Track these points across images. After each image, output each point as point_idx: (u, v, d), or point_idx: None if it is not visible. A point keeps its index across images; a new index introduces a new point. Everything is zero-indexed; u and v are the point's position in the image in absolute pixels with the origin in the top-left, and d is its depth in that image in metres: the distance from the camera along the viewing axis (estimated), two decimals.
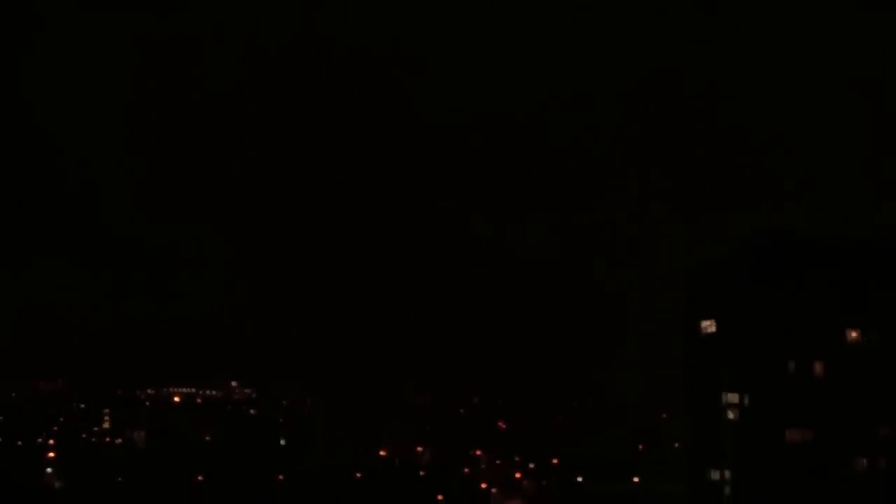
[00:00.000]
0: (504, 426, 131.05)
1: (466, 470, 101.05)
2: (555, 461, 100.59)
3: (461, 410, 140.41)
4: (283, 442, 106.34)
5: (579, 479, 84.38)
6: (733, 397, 49.53)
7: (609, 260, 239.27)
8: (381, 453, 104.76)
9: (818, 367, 48.20)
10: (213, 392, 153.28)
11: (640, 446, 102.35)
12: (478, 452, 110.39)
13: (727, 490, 49.02)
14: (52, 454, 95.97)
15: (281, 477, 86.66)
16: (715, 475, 49.52)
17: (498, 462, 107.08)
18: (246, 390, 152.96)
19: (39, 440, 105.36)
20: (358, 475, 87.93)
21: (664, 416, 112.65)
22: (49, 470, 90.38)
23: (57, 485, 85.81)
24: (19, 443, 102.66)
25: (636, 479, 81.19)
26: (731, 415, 49.26)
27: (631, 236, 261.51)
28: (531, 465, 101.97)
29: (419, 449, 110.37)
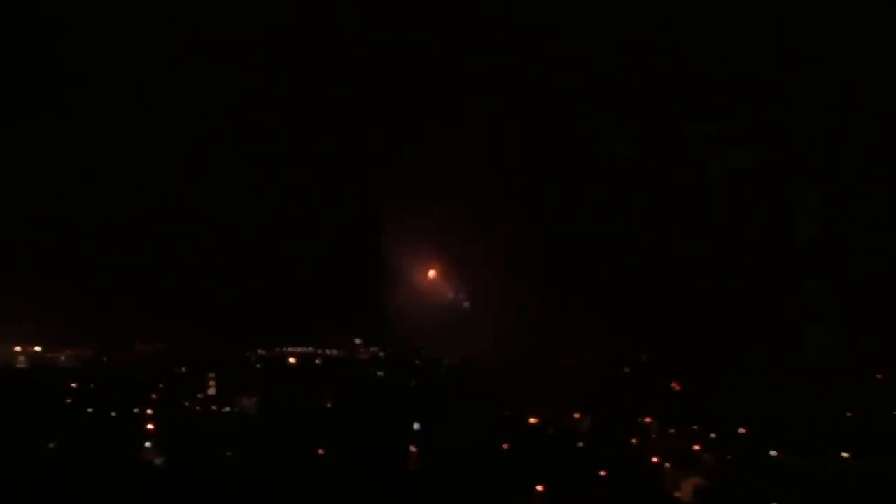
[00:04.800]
0: (679, 388, 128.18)
1: (634, 440, 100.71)
2: (742, 430, 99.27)
3: (626, 369, 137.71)
4: (416, 408, 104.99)
5: (773, 453, 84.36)
6: None
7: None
8: (531, 421, 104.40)
9: None
10: (334, 352, 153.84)
11: (849, 413, 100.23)
12: (647, 419, 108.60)
13: None
14: (150, 426, 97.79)
15: (414, 448, 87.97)
16: None
17: (672, 431, 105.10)
18: (371, 349, 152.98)
19: (136, 410, 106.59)
20: (504, 446, 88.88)
21: (879, 376, 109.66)
22: (148, 444, 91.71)
23: (157, 461, 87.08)
24: (113, 414, 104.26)
25: (844, 455, 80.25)
26: None
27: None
28: (712, 435, 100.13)
29: (576, 416, 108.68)
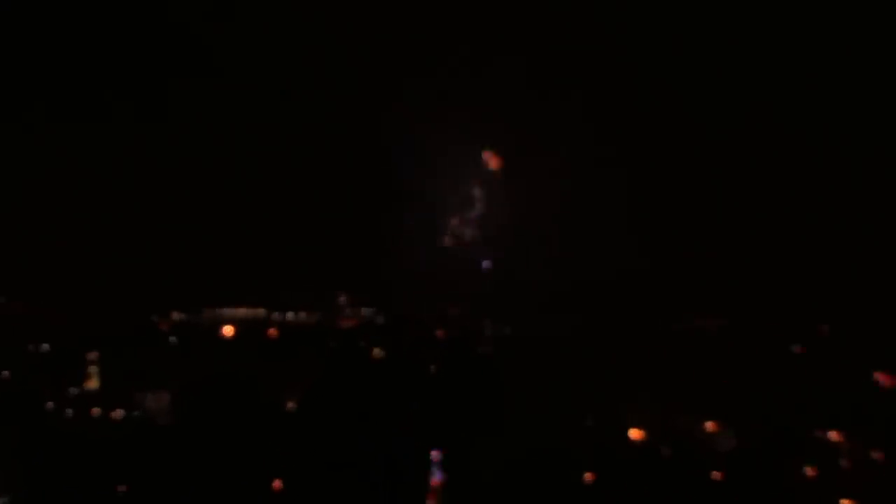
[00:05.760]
0: (890, 383, 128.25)
1: (809, 470, 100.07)
2: None
3: (795, 348, 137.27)
4: (437, 405, 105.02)
5: None
6: None
7: None
8: (633, 435, 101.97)
9: None
10: (301, 315, 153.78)
11: None
12: (832, 434, 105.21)
13: None
14: None
15: (436, 482, 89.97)
16: None
17: (877, 455, 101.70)
18: (363, 310, 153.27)
19: None
20: (588, 477, 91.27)
21: None
22: None
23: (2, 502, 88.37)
24: None
25: None
26: None
27: None
28: None
29: (710, 426, 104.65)
